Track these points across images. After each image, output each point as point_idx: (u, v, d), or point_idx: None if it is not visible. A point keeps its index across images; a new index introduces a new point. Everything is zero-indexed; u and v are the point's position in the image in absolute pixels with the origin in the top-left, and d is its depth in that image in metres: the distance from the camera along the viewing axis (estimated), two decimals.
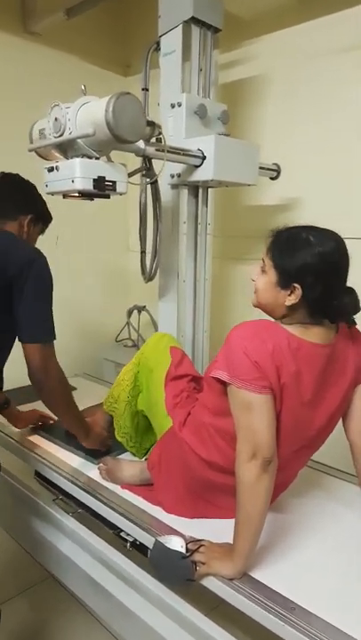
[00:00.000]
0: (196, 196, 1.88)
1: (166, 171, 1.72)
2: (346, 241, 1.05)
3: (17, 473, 1.73)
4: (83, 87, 1.32)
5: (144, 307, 2.74)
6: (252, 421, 1.00)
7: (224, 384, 1.06)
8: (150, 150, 1.51)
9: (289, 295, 1.04)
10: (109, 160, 1.41)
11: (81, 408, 1.51)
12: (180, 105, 1.73)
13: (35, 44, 2.40)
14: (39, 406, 1.62)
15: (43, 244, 1.47)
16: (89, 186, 1.34)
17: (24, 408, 1.77)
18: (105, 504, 1.33)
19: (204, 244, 1.92)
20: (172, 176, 1.78)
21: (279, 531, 1.21)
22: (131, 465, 1.43)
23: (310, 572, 1.09)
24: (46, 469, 1.53)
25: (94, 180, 1.34)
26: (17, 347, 1.33)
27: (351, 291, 1.05)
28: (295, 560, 1.12)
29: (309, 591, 1.02)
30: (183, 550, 1.09)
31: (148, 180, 1.67)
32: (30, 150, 1.48)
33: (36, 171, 1.46)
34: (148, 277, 1.85)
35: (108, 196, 1.45)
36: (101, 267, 2.93)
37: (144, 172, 1.65)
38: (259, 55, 2.18)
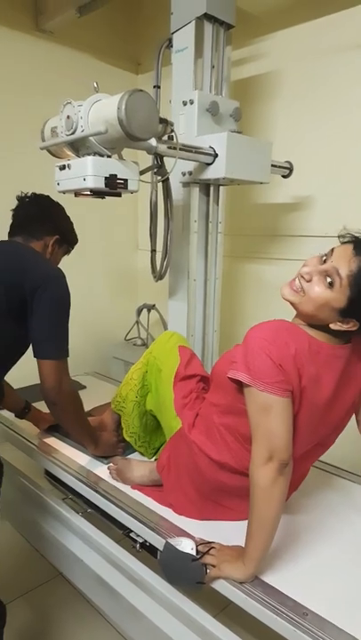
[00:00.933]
0: (208, 194, 1.86)
1: (178, 168, 1.71)
2: None
3: (27, 471, 1.73)
4: (95, 84, 1.32)
5: (153, 305, 2.74)
6: (271, 424, 0.99)
7: (240, 384, 1.04)
8: (162, 148, 1.50)
9: (340, 322, 1.01)
10: (121, 158, 1.40)
11: (90, 406, 1.51)
12: (192, 102, 1.72)
13: (47, 41, 2.40)
14: (41, 406, 1.62)
15: None
16: (101, 184, 1.34)
17: None
18: (114, 504, 1.32)
19: (214, 242, 1.91)
20: (184, 174, 1.77)
21: (292, 533, 1.20)
22: (141, 465, 1.42)
23: (323, 576, 1.07)
24: (56, 468, 1.52)
25: (106, 178, 1.34)
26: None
27: None
28: (308, 564, 1.11)
29: (322, 596, 1.01)
30: (194, 553, 1.08)
31: (159, 177, 1.66)
32: (42, 148, 1.47)
33: (49, 169, 1.46)
34: (159, 276, 1.85)
35: (119, 195, 1.44)
36: (111, 265, 2.93)
37: (155, 170, 1.64)
38: (271, 52, 2.16)
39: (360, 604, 0.99)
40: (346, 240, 1.03)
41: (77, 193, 1.46)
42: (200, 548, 1.09)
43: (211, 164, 1.66)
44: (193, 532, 1.19)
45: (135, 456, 1.53)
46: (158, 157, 1.59)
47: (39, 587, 1.72)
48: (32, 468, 1.74)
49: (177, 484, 1.27)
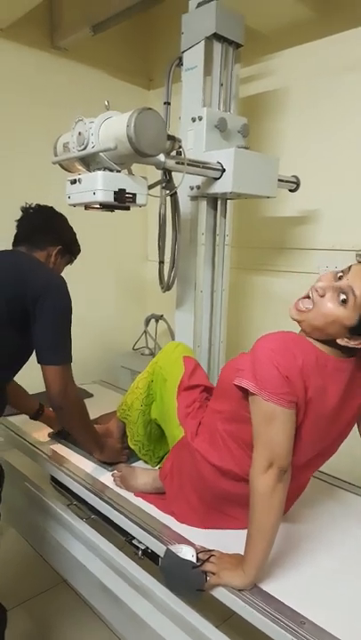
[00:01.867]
0: (215, 208, 1.90)
1: (186, 183, 1.75)
2: None
3: (33, 477, 1.75)
4: (106, 103, 1.36)
5: (161, 316, 2.77)
6: (273, 433, 1.01)
7: (245, 391, 1.06)
8: (170, 163, 1.54)
9: (347, 339, 1.03)
10: (130, 173, 1.45)
11: (97, 414, 1.53)
12: (200, 119, 1.76)
13: (61, 58, 2.47)
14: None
15: None
16: (110, 198, 1.38)
17: None
18: (117, 511, 1.34)
19: (221, 254, 1.94)
20: (192, 188, 1.80)
21: (291, 542, 1.21)
22: (144, 473, 1.44)
23: (321, 585, 1.08)
24: (62, 475, 1.55)
25: (115, 192, 1.38)
26: None
27: None
28: (306, 573, 1.11)
29: (320, 605, 1.01)
30: (194, 560, 1.09)
31: (167, 192, 1.70)
32: (54, 163, 1.53)
33: (61, 183, 1.51)
34: (166, 287, 1.88)
35: (128, 208, 1.48)
36: (121, 276, 2.97)
37: (164, 185, 1.68)
38: (279, 69, 2.21)
39: (358, 614, 1.00)
40: None
41: (87, 206, 1.51)
42: (200, 555, 1.11)
43: (218, 178, 1.69)
44: (194, 540, 1.20)
45: (139, 464, 1.55)
46: (167, 172, 1.63)
47: (42, 593, 1.73)
48: (38, 474, 1.76)
49: (180, 493, 1.29)
